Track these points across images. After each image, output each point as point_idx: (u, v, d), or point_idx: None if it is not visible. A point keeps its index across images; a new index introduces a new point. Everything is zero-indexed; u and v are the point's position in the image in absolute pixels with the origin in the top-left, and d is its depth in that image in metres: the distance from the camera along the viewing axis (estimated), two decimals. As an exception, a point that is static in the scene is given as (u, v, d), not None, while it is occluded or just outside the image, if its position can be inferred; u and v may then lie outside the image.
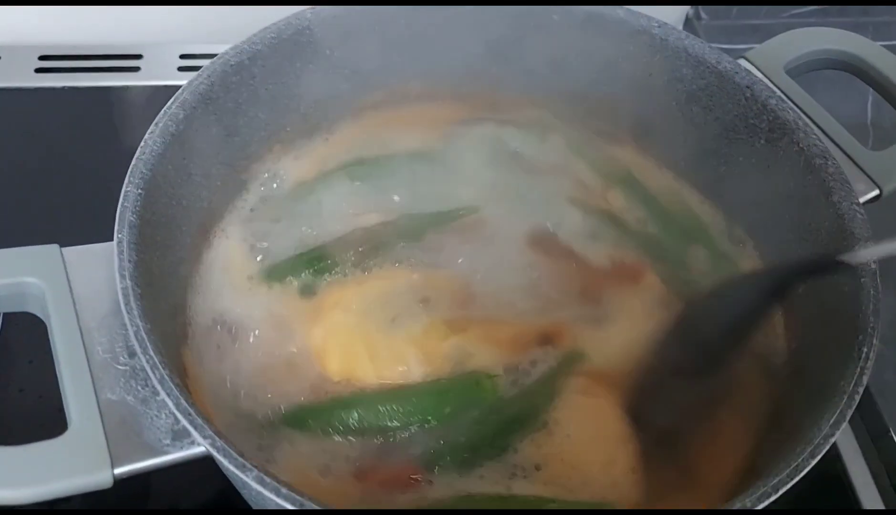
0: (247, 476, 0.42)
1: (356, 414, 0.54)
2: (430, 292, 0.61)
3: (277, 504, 0.42)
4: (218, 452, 0.43)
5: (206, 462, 0.46)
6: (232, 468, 0.43)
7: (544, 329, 0.59)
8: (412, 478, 0.52)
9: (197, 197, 0.62)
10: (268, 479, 0.42)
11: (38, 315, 0.53)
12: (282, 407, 0.55)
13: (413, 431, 0.54)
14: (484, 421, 0.55)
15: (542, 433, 0.55)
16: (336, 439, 0.54)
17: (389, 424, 0.54)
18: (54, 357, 0.50)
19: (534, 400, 0.56)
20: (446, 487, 0.52)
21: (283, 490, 0.42)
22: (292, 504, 0.41)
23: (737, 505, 0.43)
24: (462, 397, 0.55)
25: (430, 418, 0.54)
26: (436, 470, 0.53)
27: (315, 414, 0.55)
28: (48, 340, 0.51)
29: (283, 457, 0.53)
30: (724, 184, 0.67)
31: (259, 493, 0.42)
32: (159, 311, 0.52)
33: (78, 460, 0.45)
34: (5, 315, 0.69)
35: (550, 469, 0.53)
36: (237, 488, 0.52)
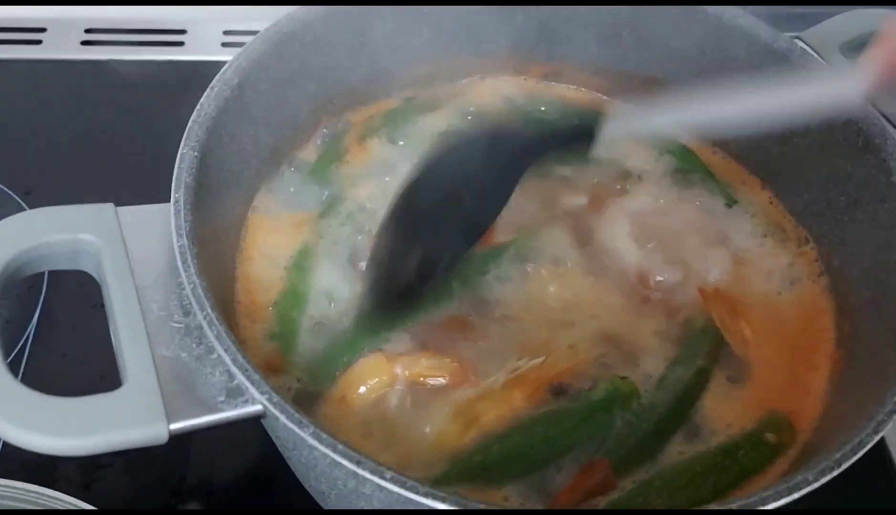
0: (304, 432, 0.42)
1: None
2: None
3: (335, 461, 0.41)
4: (275, 407, 0.43)
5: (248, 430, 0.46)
6: (289, 424, 0.42)
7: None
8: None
9: (246, 164, 0.62)
10: (325, 435, 0.42)
11: (92, 273, 0.53)
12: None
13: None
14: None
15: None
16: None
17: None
18: (108, 315, 0.50)
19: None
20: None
21: (340, 447, 0.41)
22: (350, 461, 0.41)
23: (798, 479, 0.43)
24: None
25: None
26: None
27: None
28: (91, 306, 0.51)
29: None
30: (778, 165, 0.66)
31: (312, 452, 0.42)
32: (212, 271, 0.52)
33: (134, 413, 0.45)
34: (49, 279, 0.69)
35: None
36: (286, 454, 0.52)
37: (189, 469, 0.61)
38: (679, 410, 0.55)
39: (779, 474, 0.53)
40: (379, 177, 0.66)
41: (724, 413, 0.55)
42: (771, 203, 0.67)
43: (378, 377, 0.54)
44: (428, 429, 0.53)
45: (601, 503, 0.51)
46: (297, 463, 0.52)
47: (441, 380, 0.55)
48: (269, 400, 0.43)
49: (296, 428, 0.42)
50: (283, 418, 0.43)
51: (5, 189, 0.74)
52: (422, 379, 0.55)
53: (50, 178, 0.77)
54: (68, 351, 0.67)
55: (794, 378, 0.57)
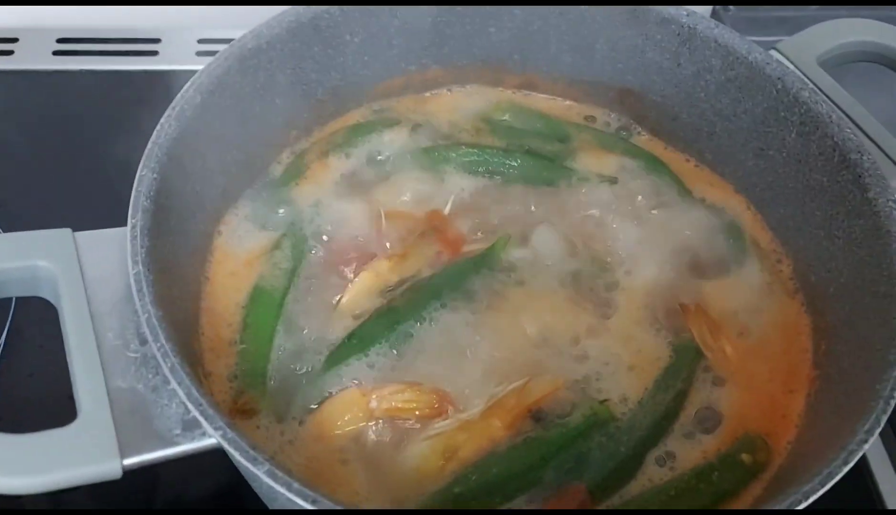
0: (258, 469, 0.41)
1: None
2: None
3: (289, 499, 0.40)
4: (229, 444, 0.42)
5: (216, 453, 0.45)
6: (243, 461, 0.41)
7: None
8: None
9: (211, 183, 0.61)
10: (279, 474, 0.41)
11: (50, 299, 0.52)
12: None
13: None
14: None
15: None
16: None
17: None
18: (65, 342, 0.49)
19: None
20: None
21: (295, 486, 0.40)
22: (304, 499, 0.40)
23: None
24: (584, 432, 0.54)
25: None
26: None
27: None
28: (59, 325, 0.50)
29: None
30: (754, 178, 0.65)
31: (270, 488, 0.41)
32: (172, 299, 0.51)
33: (86, 450, 0.44)
34: (17, 299, 0.68)
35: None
36: (249, 481, 0.51)
37: (157, 492, 0.60)
38: (656, 434, 0.54)
39: (751, 498, 0.52)
40: (338, 195, 0.65)
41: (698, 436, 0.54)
42: (749, 211, 0.66)
43: (352, 413, 0.53)
44: (407, 463, 0.52)
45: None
46: (261, 494, 0.51)
47: (418, 413, 0.53)
48: (224, 436, 0.42)
49: (250, 466, 0.41)
50: (237, 455, 0.42)
51: (-30, 206, 0.73)
52: (398, 413, 0.53)
53: (16, 194, 0.76)
54: (35, 371, 0.66)
55: (772, 399, 0.56)
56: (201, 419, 0.43)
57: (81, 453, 0.43)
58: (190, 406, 0.43)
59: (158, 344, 0.45)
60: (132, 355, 0.48)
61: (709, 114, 0.67)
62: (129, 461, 0.44)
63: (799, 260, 0.62)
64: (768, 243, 0.64)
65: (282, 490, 0.40)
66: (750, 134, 0.65)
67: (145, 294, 0.47)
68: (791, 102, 0.61)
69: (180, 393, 0.44)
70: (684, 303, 0.59)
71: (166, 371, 0.44)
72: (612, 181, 0.67)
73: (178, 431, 0.45)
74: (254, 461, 0.41)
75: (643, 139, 0.71)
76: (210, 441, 0.45)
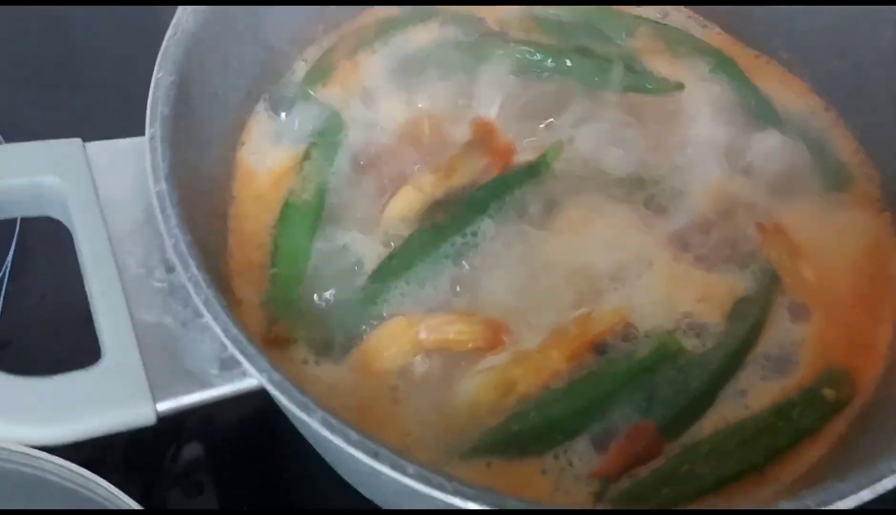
0: (311, 418, 0.36)
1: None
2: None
3: (345, 450, 0.36)
4: (275, 387, 0.37)
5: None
6: (293, 407, 0.37)
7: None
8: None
9: (233, 85, 0.54)
10: (335, 422, 0.36)
11: (62, 220, 0.46)
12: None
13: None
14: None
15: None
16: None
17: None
18: (82, 271, 0.43)
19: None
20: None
21: (354, 436, 0.36)
22: (366, 453, 0.35)
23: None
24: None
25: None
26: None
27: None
28: (70, 241, 0.44)
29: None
30: (838, 82, 0.58)
31: (325, 438, 0.36)
32: (198, 220, 0.45)
33: (115, 393, 0.39)
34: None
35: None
36: (296, 426, 0.47)
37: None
38: (731, 368, 0.49)
39: (834, 436, 0.48)
40: (371, 98, 0.58)
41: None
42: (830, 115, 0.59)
43: (400, 346, 0.48)
44: (460, 398, 0.47)
45: (645, 471, 0.46)
46: (309, 437, 0.46)
47: (472, 345, 0.48)
48: (269, 378, 0.37)
49: (303, 415, 0.36)
50: (285, 401, 0.37)
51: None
52: (450, 344, 0.48)
53: (17, 101, 0.68)
54: (48, 294, 0.60)
55: (857, 329, 0.51)
56: (242, 359, 0.38)
57: (110, 397, 0.39)
58: (229, 343, 0.38)
59: (189, 274, 0.40)
60: (158, 285, 0.43)
61: (788, 9, 0.60)
62: (164, 405, 0.39)
63: (888, 174, 0.56)
64: (852, 155, 0.58)
65: (338, 441, 0.35)
66: (835, 31, 0.57)
67: (171, 216, 0.41)
68: (891, -5, 0.54)
69: (217, 329, 0.38)
70: (761, 223, 0.54)
71: (199, 304, 0.39)
72: (679, 87, 0.60)
73: (214, 371, 0.40)
74: (306, 408, 0.36)
75: (711, 33, 0.63)
76: (252, 381, 0.40)
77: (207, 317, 0.39)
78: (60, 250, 0.59)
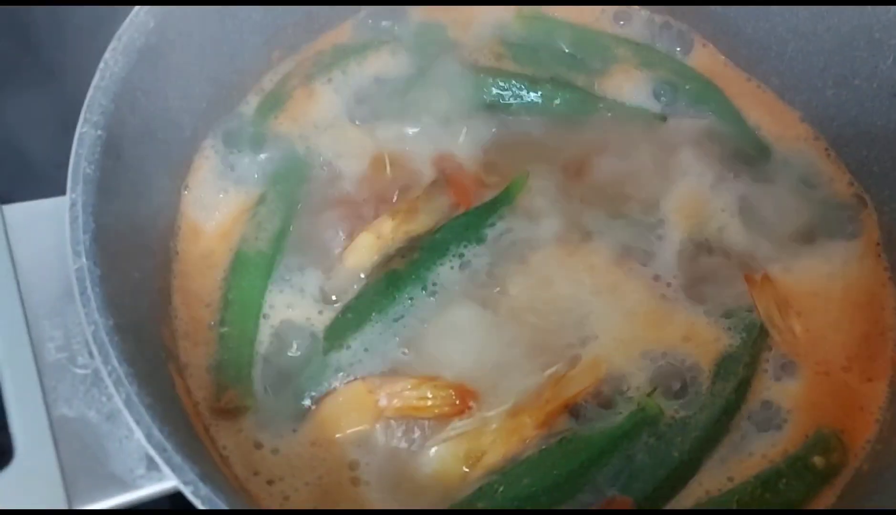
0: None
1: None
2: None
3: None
4: (203, 503, 0.33)
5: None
6: (221, 525, 0.33)
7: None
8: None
9: (176, 125, 0.50)
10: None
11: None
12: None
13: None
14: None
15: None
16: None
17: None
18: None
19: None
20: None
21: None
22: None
23: None
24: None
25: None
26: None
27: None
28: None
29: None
30: (831, 111, 0.54)
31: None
32: (133, 285, 0.41)
33: (24, 499, 0.35)
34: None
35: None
36: None
37: None
38: (715, 433, 0.46)
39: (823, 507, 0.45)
40: (329, 131, 0.54)
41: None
42: (819, 144, 0.55)
43: (359, 413, 0.45)
44: (423, 471, 0.44)
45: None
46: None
47: (437, 411, 0.45)
48: (194, 491, 0.34)
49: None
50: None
51: None
52: (413, 411, 0.45)
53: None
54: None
55: (848, 388, 0.48)
56: (166, 468, 0.34)
57: (20, 503, 0.35)
58: (152, 451, 0.34)
59: (109, 368, 0.36)
60: (81, 372, 0.39)
61: (780, 30, 0.55)
62: (81, 509, 0.35)
63: (885, 213, 0.52)
64: (846, 189, 0.54)
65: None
66: (831, 57, 0.53)
67: (90, 298, 0.37)
68: (892, 21, 0.49)
69: (139, 433, 0.35)
70: (749, 274, 0.50)
71: (120, 403, 0.35)
72: (661, 118, 0.55)
73: (141, 470, 0.37)
74: (234, 526, 0.33)
75: (702, 53, 0.59)
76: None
77: (128, 419, 0.35)
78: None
